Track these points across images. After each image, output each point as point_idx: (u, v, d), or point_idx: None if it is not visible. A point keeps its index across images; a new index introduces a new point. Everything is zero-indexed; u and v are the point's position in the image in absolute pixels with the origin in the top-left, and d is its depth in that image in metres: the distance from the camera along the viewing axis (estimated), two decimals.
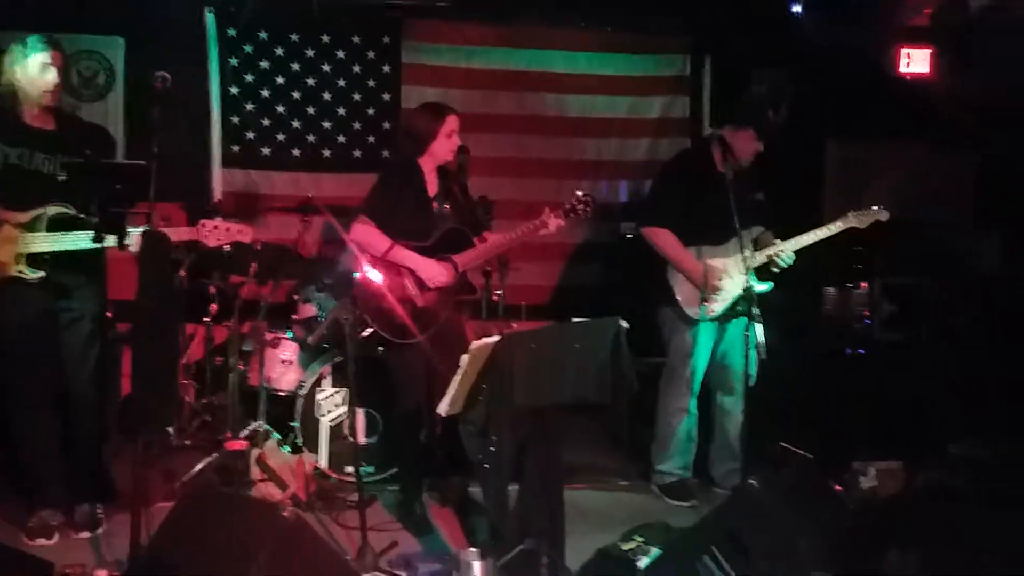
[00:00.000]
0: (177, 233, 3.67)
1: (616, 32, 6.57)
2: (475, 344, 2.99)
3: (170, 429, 4.12)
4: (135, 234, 3.41)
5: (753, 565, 2.95)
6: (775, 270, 4.29)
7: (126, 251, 3.40)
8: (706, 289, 4.17)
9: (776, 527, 3.05)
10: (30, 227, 3.57)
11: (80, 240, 3.53)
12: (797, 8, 4.58)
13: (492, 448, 2.95)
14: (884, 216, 4.29)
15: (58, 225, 3.57)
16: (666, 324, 4.47)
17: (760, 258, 4.26)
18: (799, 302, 4.45)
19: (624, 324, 3.31)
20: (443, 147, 3.92)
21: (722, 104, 6.78)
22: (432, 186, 3.99)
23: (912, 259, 4.57)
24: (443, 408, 3.10)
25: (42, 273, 3.58)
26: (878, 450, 4.74)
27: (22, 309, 3.62)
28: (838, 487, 4.40)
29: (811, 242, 4.32)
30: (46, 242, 3.56)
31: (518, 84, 6.45)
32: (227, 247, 3.79)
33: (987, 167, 6.74)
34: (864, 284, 4.91)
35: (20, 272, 3.57)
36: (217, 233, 3.71)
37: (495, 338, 2.98)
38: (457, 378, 3.03)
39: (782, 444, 5.14)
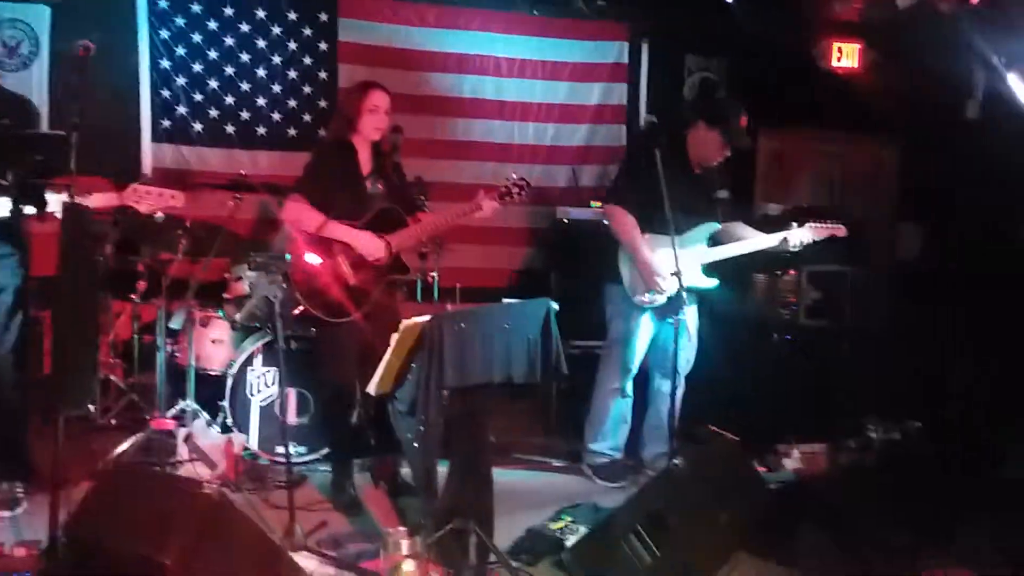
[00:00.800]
0: (106, 199, 3.56)
1: (555, 18, 6.59)
2: (404, 323, 2.99)
3: (91, 407, 4.03)
4: (56, 201, 3.31)
5: (674, 542, 3.03)
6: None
7: (47, 221, 3.30)
8: (653, 281, 4.21)
9: (697, 505, 3.13)
10: None
11: (1, 211, 3.42)
12: None
13: (421, 427, 2.97)
14: (841, 232, 4.41)
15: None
16: (610, 304, 4.52)
17: (713, 255, 4.33)
18: (729, 287, 4.51)
19: (554, 306, 3.35)
20: (368, 123, 3.88)
21: (659, 91, 6.89)
22: (365, 165, 3.96)
23: (837, 249, 4.66)
24: (372, 388, 3.11)
25: None
26: (803, 432, 4.89)
27: None
28: (763, 468, 4.54)
29: (760, 248, 4.40)
30: None
31: (457, 66, 6.43)
32: (159, 214, 3.69)
33: (908, 160, 6.97)
34: (792, 272, 5.03)
35: None
36: (149, 198, 3.62)
37: (425, 318, 2.99)
38: (386, 357, 3.03)
39: (710, 426, 5.26)
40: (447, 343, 2.95)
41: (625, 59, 6.78)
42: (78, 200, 3.06)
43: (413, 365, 3.02)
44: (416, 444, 3.00)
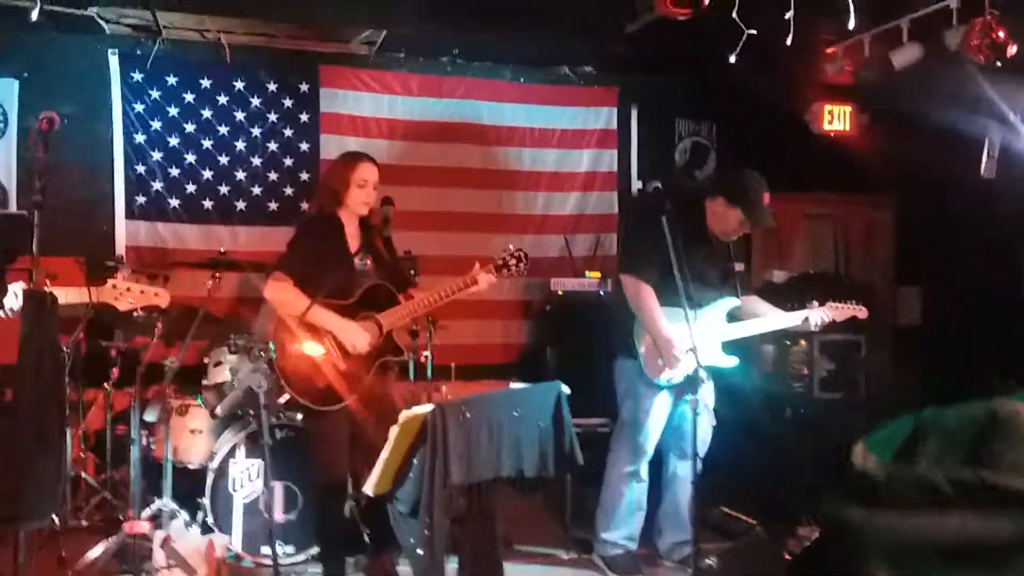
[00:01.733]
0: (80, 294, 3.29)
1: (541, 84, 6.45)
2: (404, 415, 2.71)
3: (55, 517, 3.67)
4: (14, 292, 3.04)
5: None
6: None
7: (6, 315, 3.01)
8: (670, 359, 3.93)
9: None
10: None
11: None
12: (730, 59, 4.46)
13: (426, 531, 2.65)
14: (863, 314, 4.20)
15: None
16: (622, 381, 4.23)
17: (733, 333, 4.09)
18: (739, 361, 4.27)
19: (565, 389, 3.07)
20: (356, 198, 3.66)
21: (650, 156, 6.74)
22: (354, 240, 3.71)
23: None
24: (370, 487, 2.81)
25: None
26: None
27: None
28: (786, 555, 4.23)
29: (781, 328, 4.20)
30: None
31: (442, 135, 6.24)
32: (139, 312, 3.40)
33: (904, 222, 6.85)
34: (803, 342, 4.80)
35: None
36: (130, 295, 3.35)
37: (426, 408, 2.70)
38: (384, 454, 2.74)
39: (724, 509, 4.96)
40: (451, 436, 2.67)
41: (614, 125, 6.63)
42: (40, 288, 2.78)
43: (414, 461, 2.72)
44: (420, 551, 2.68)
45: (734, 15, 4.00)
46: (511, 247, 3.78)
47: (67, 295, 3.22)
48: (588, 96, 6.56)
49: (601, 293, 5.98)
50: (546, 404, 3.00)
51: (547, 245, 6.47)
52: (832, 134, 6.66)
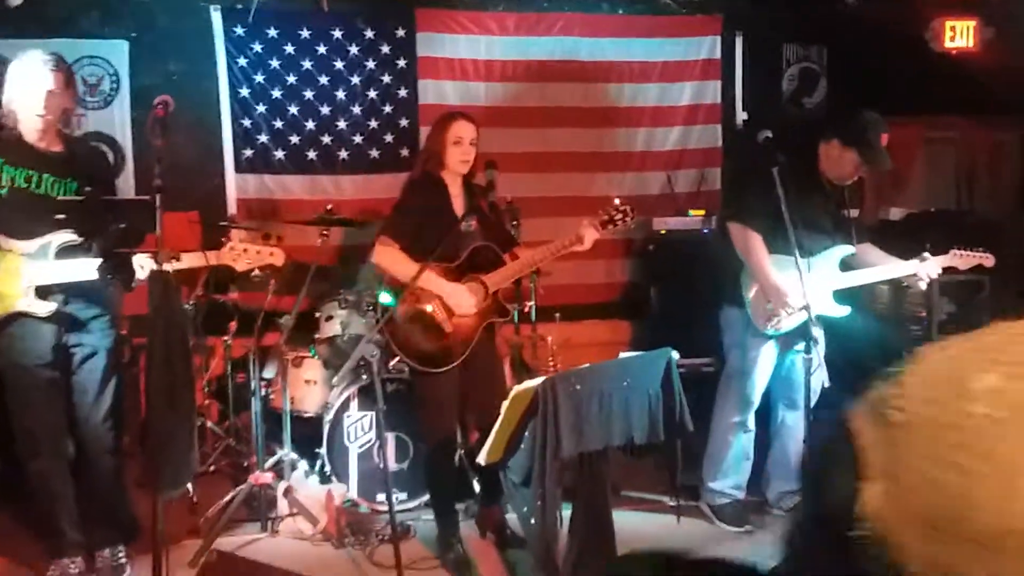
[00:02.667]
0: (204, 257, 3.44)
1: (641, 15, 6.23)
2: (515, 389, 2.74)
3: (190, 486, 3.89)
4: (140, 265, 3.18)
5: None
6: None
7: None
8: (779, 306, 3.84)
9: None
10: (37, 256, 3.33)
11: (89, 270, 3.30)
12: None
13: (538, 501, 2.70)
14: (989, 261, 4.00)
15: (66, 254, 3.34)
16: (729, 328, 4.16)
17: (845, 281, 3.96)
18: (853, 299, 4.12)
19: (675, 355, 3.04)
20: (453, 156, 3.63)
21: (756, 86, 6.48)
22: (457, 201, 3.71)
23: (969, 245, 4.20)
24: (482, 457, 2.86)
25: (53, 306, 3.35)
26: None
27: (33, 346, 3.37)
28: None
29: (895, 276, 4.05)
30: (55, 272, 3.33)
31: (541, 74, 6.13)
32: (256, 272, 3.54)
33: None
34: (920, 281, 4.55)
35: (28, 306, 3.34)
36: (247, 256, 3.48)
37: (536, 381, 2.73)
38: (497, 425, 2.78)
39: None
40: (562, 408, 2.69)
41: (718, 55, 6.37)
42: (167, 266, 2.89)
43: (526, 433, 2.76)
44: (533, 520, 2.73)
45: None
46: (617, 201, 3.70)
47: (190, 259, 3.36)
48: (690, 26, 6.30)
49: (705, 231, 5.86)
50: (656, 371, 2.98)
51: (649, 182, 6.35)
52: (954, 52, 6.26)
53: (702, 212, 5.98)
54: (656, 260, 5.97)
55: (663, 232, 5.91)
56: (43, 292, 3.35)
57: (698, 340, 5.11)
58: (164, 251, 2.84)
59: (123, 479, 3.69)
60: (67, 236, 3.34)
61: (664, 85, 6.30)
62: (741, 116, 6.48)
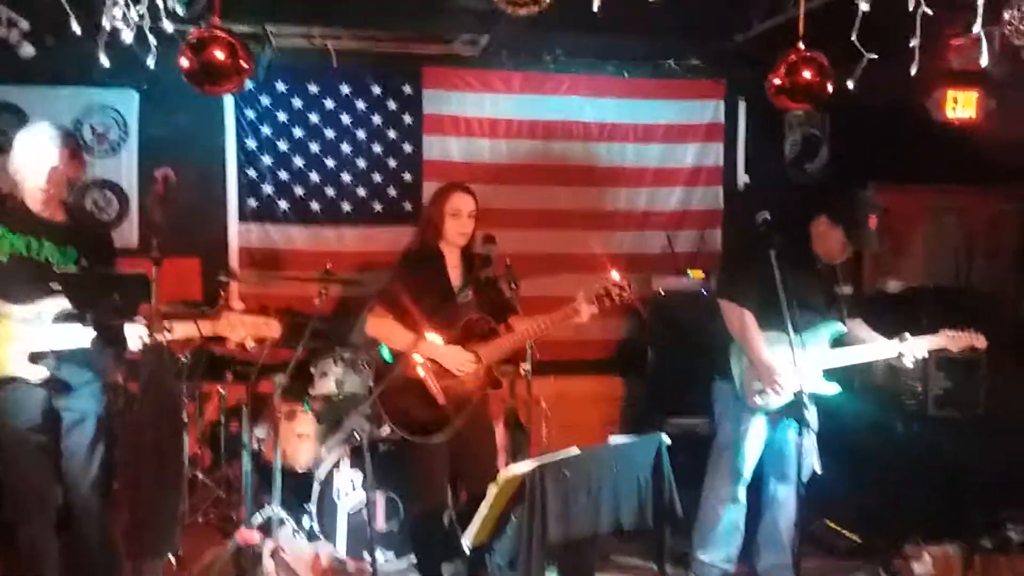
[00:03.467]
0: (197, 328, 3.46)
1: (647, 79, 6.30)
2: (503, 475, 2.75)
3: (172, 557, 3.89)
4: (138, 335, 3.20)
5: None
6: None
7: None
8: (767, 384, 3.87)
9: None
10: (32, 322, 3.36)
11: (84, 338, 3.32)
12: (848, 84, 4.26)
13: None
14: (981, 343, 4.01)
15: (61, 320, 3.36)
16: (719, 400, 4.20)
17: (834, 360, 3.97)
18: (846, 373, 4.13)
19: (666, 440, 3.04)
20: (452, 228, 3.67)
21: (758, 150, 6.53)
22: (455, 272, 3.74)
23: (962, 325, 4.21)
24: (467, 539, 2.87)
25: (45, 372, 3.37)
26: (933, 532, 4.45)
27: (24, 409, 3.38)
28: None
29: (879, 358, 4.06)
30: (49, 339, 3.35)
31: (545, 133, 6.19)
32: (251, 343, 3.56)
33: None
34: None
35: (21, 371, 3.35)
36: (243, 326, 3.51)
37: (524, 467, 2.73)
38: (483, 510, 2.78)
39: (827, 522, 4.86)
40: (550, 497, 2.70)
41: (721, 118, 6.44)
42: (159, 337, 2.92)
43: (513, 517, 2.76)
44: None
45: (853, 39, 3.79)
46: (615, 276, 3.71)
47: (183, 330, 3.38)
48: (695, 89, 6.37)
49: (703, 292, 5.89)
50: (646, 456, 2.99)
51: (649, 242, 6.39)
52: (956, 122, 6.30)
53: (701, 273, 6.00)
54: (654, 319, 5.97)
55: (662, 292, 5.92)
56: (35, 357, 3.36)
57: (693, 400, 5.11)
58: (158, 322, 2.85)
59: (110, 541, 3.67)
60: (63, 304, 3.36)
61: (667, 146, 6.36)
62: (743, 179, 6.53)
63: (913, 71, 4.42)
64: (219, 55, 3.53)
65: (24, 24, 4.84)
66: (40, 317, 3.35)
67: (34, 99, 5.60)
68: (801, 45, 3.90)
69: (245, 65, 3.58)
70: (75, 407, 3.47)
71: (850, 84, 4.31)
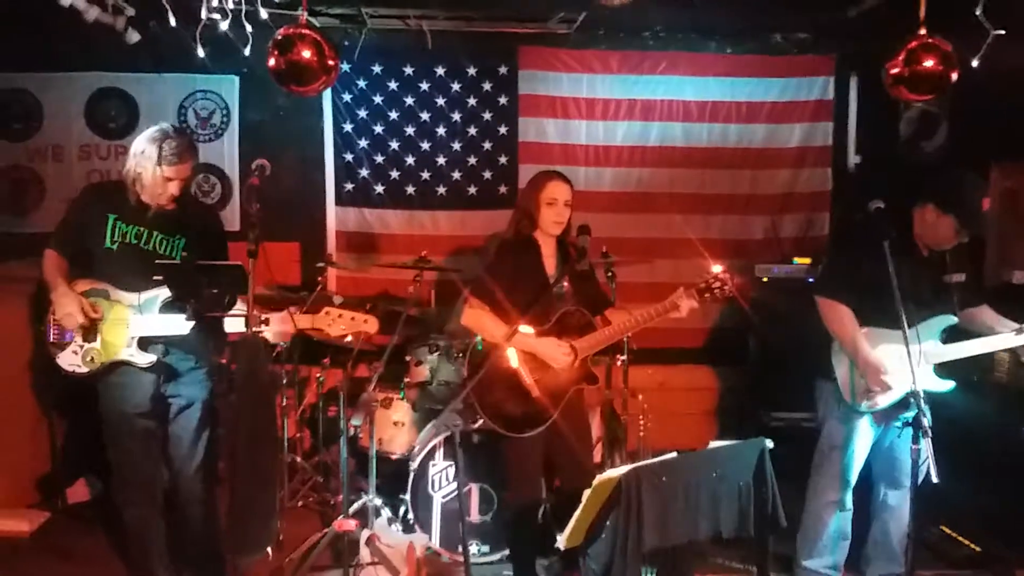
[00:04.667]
0: (298, 321, 3.50)
1: (751, 55, 6.03)
2: (598, 479, 2.65)
3: (269, 551, 3.94)
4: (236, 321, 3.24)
5: None
6: None
7: None
8: (873, 383, 3.64)
9: None
10: (143, 308, 3.46)
11: (189, 326, 3.39)
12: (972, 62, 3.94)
13: None
14: None
15: (169, 308, 3.45)
16: (821, 400, 3.98)
17: (946, 354, 3.72)
18: (966, 367, 3.86)
19: (769, 444, 2.89)
20: (547, 217, 3.56)
21: (870, 129, 6.19)
22: (550, 262, 3.64)
23: None
24: (562, 542, 2.78)
25: (153, 357, 3.47)
26: None
27: (133, 395, 3.49)
28: None
29: (996, 350, 3.79)
30: (159, 325, 3.45)
31: (643, 114, 6.01)
32: (349, 338, 3.58)
33: None
34: None
35: (131, 356, 3.47)
36: (342, 321, 3.53)
37: (620, 471, 2.63)
38: (578, 512, 2.70)
39: (943, 528, 4.60)
40: (646, 502, 2.58)
41: (831, 95, 6.12)
42: (258, 329, 2.93)
43: (608, 522, 2.66)
44: None
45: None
46: (716, 269, 3.55)
47: (286, 323, 3.43)
48: (802, 65, 6.07)
49: (809, 280, 5.63)
50: (747, 461, 2.84)
51: (752, 226, 6.16)
52: None
53: (807, 260, 5.74)
54: (756, 308, 5.75)
55: (764, 280, 5.70)
56: (144, 343, 3.48)
57: (798, 393, 4.89)
58: (254, 315, 2.86)
59: (214, 525, 3.74)
60: (171, 291, 3.44)
61: (772, 126, 6.09)
62: (854, 159, 6.21)
63: None
64: (306, 54, 3.51)
65: (130, 11, 4.95)
66: (152, 304, 3.45)
67: (140, 85, 5.76)
68: (923, 31, 3.60)
69: (332, 63, 3.55)
70: (183, 393, 3.56)
71: (975, 63, 4.03)
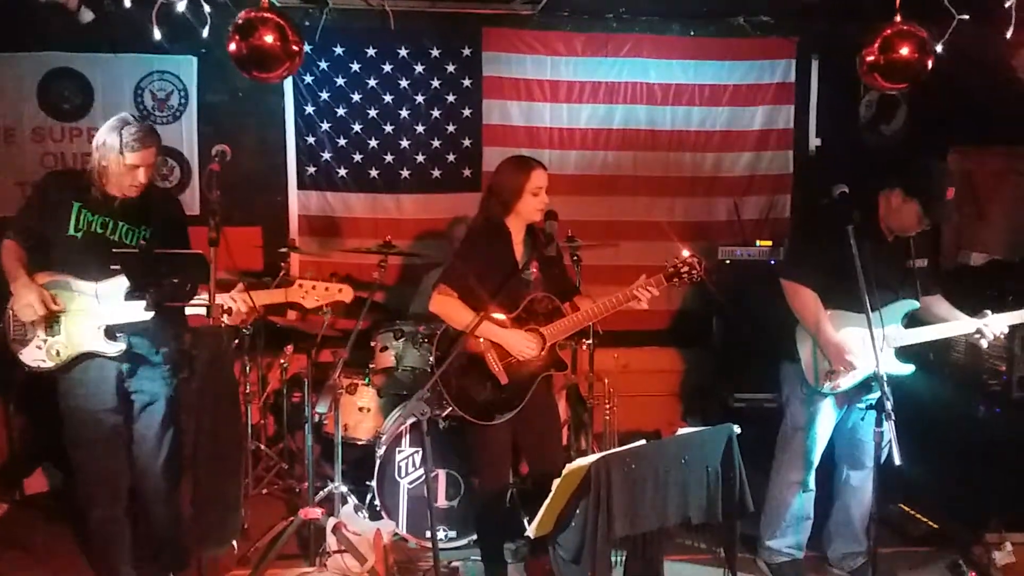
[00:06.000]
0: (271, 296, 3.47)
1: (713, 38, 6.04)
2: (567, 468, 2.65)
3: (234, 543, 3.90)
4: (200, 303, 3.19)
5: None
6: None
7: None
8: (837, 364, 3.69)
9: None
10: (107, 297, 3.39)
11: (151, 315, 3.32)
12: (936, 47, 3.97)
13: None
14: None
15: (133, 296, 3.34)
16: (786, 382, 4.04)
17: (906, 338, 3.77)
18: (927, 350, 3.93)
19: (736, 430, 2.92)
20: (529, 205, 3.55)
21: (831, 112, 6.25)
22: (520, 248, 3.63)
23: None
24: (531, 530, 2.79)
25: (122, 345, 3.41)
26: (1016, 520, 4.26)
27: (97, 391, 3.42)
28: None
29: (950, 336, 3.88)
30: (124, 313, 3.37)
31: (607, 96, 6.00)
32: (326, 307, 3.56)
33: None
34: (1001, 335, 4.30)
35: (98, 347, 3.40)
36: (316, 293, 3.51)
37: (589, 459, 2.64)
38: (547, 501, 2.70)
39: (902, 507, 4.69)
40: (615, 489, 2.60)
41: (792, 78, 6.15)
42: (218, 319, 2.88)
43: (577, 510, 2.67)
44: None
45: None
46: (685, 253, 3.54)
47: (261, 298, 3.39)
48: (764, 48, 6.09)
49: (771, 262, 5.69)
50: (716, 447, 2.86)
51: (715, 208, 6.19)
52: None
53: (769, 243, 5.79)
54: (719, 290, 5.79)
55: (727, 261, 5.74)
56: (111, 332, 3.41)
57: (761, 375, 4.95)
58: (216, 307, 2.81)
59: (176, 519, 3.69)
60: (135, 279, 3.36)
61: (735, 109, 6.11)
62: (814, 142, 6.26)
63: (1010, 34, 4.14)
64: (268, 39, 3.43)
65: None
66: (116, 292, 3.37)
67: (94, 66, 5.60)
68: (898, 17, 3.61)
69: (296, 48, 3.48)
70: (145, 389, 3.50)
71: (939, 48, 4.07)
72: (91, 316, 3.38)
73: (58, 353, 3.35)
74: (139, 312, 3.32)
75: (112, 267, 3.26)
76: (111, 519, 3.50)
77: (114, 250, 3.29)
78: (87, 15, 5.06)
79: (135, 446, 3.50)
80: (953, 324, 3.82)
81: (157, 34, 3.67)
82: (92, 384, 3.39)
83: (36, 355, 3.37)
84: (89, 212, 3.39)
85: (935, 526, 4.54)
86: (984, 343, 3.82)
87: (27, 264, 3.39)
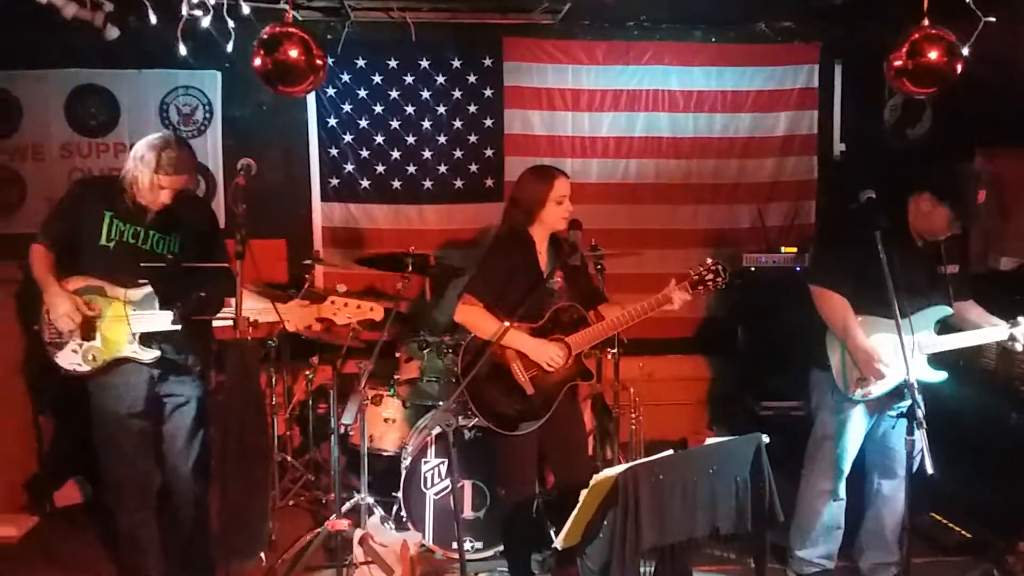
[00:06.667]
0: (303, 315, 3.48)
1: (735, 44, 6.01)
2: (595, 478, 2.64)
3: (262, 555, 3.92)
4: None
5: None
6: None
7: None
8: (867, 371, 3.65)
9: None
10: (143, 304, 3.42)
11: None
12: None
13: None
14: None
15: (167, 304, 3.40)
16: (815, 390, 3.99)
17: (938, 345, 3.73)
18: (956, 356, 3.87)
19: (765, 439, 2.89)
20: (553, 214, 3.55)
21: (855, 117, 6.20)
22: (544, 257, 3.62)
23: None
24: (559, 542, 2.77)
25: (157, 352, 3.45)
26: None
27: (127, 395, 3.46)
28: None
29: (981, 343, 3.81)
30: (159, 321, 3.40)
31: (629, 104, 5.99)
32: (355, 326, 3.57)
33: None
34: None
35: (134, 352, 3.43)
36: (347, 310, 3.53)
37: (617, 470, 2.62)
38: (575, 511, 2.69)
39: (933, 515, 4.62)
40: (643, 500, 2.58)
41: (815, 83, 6.11)
42: (243, 332, 2.89)
43: (605, 521, 2.65)
44: None
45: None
46: (709, 260, 3.55)
47: (293, 315, 3.42)
48: (786, 54, 6.05)
49: (796, 268, 5.65)
50: (744, 457, 2.83)
51: (739, 215, 6.15)
52: None
53: (794, 249, 5.75)
54: (744, 296, 5.76)
55: (752, 268, 5.70)
56: (146, 339, 3.44)
57: (788, 383, 4.92)
58: (243, 319, 2.83)
59: (205, 526, 3.72)
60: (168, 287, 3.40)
61: (758, 115, 6.08)
62: (839, 147, 6.22)
63: None
64: (293, 53, 3.46)
65: (109, 6, 4.88)
66: (151, 300, 3.42)
67: (120, 82, 5.67)
68: (926, 21, 3.56)
69: (320, 63, 3.50)
70: (177, 391, 3.55)
71: (965, 51, 4.02)
72: (127, 322, 3.42)
73: (94, 358, 3.41)
74: (168, 322, 3.36)
75: (139, 281, 3.28)
76: (140, 522, 3.53)
77: (142, 264, 3.32)
78: (113, 32, 5.11)
79: (165, 446, 3.54)
80: (987, 330, 3.77)
81: (183, 50, 3.69)
82: (123, 388, 3.44)
83: (72, 359, 3.42)
84: (121, 222, 3.43)
85: (968, 535, 4.46)
86: (1019, 347, 3.76)
87: (55, 269, 3.43)
